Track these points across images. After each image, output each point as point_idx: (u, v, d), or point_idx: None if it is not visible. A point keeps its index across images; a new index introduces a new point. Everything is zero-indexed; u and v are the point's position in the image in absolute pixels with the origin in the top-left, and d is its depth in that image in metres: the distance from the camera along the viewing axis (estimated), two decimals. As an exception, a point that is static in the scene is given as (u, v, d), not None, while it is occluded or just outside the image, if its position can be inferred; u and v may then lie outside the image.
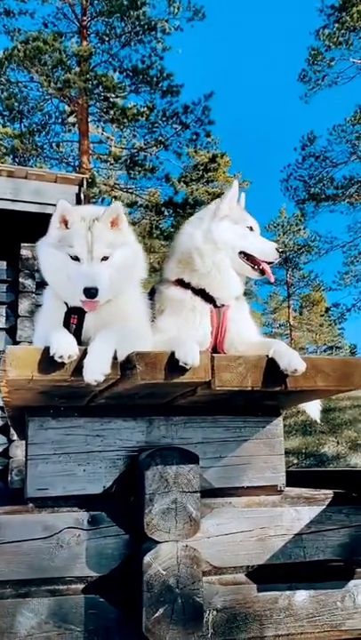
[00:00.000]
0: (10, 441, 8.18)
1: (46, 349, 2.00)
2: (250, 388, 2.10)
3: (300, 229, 38.74)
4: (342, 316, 38.68)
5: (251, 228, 2.76)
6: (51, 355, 1.98)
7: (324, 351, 44.63)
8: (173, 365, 2.02)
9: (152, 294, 2.71)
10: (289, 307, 44.64)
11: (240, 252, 2.70)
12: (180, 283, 2.67)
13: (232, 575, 2.38)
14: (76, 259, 2.34)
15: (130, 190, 25.13)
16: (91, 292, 2.23)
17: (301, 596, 2.42)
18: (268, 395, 2.28)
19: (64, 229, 2.41)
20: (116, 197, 22.10)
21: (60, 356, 1.98)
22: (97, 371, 1.99)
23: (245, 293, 2.86)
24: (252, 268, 2.73)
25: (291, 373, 2.15)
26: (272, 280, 2.81)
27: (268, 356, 2.17)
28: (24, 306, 8.61)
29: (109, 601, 2.24)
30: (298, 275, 43.08)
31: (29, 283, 8.72)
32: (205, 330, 2.58)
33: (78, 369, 2.00)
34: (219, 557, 2.36)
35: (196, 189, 26.66)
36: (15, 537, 2.21)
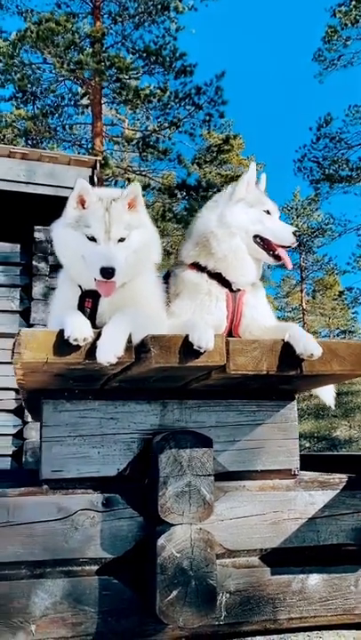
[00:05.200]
0: (24, 423, 8.23)
1: (61, 332, 1.99)
2: (265, 372, 2.09)
3: (313, 212, 38.40)
4: (356, 300, 38.48)
5: (268, 212, 2.69)
6: (65, 337, 1.98)
7: (337, 335, 44.39)
8: (188, 349, 2.01)
9: (167, 278, 2.69)
10: (302, 290, 44.37)
11: (255, 236, 2.65)
12: (197, 266, 2.64)
13: (245, 558, 2.39)
14: (93, 239, 2.31)
15: (143, 173, 24.99)
16: (108, 272, 2.20)
17: (315, 580, 2.42)
18: (283, 379, 2.27)
19: (81, 210, 2.38)
20: (129, 180, 21.97)
21: (75, 339, 1.97)
22: (110, 352, 1.98)
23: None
24: (268, 253, 2.67)
25: (307, 357, 2.14)
26: (289, 266, 2.77)
27: (283, 340, 2.16)
28: (38, 289, 8.61)
29: (123, 582, 2.26)
30: (311, 258, 42.75)
31: (43, 266, 8.71)
32: (221, 314, 2.56)
33: (93, 352, 2.00)
34: (232, 540, 2.36)
35: (209, 172, 26.47)
36: (30, 518, 2.22)
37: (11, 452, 8.20)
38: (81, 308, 2.32)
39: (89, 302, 2.33)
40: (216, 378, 2.20)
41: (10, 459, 8.17)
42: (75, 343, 1.97)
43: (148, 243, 2.43)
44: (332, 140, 27.74)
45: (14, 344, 1.95)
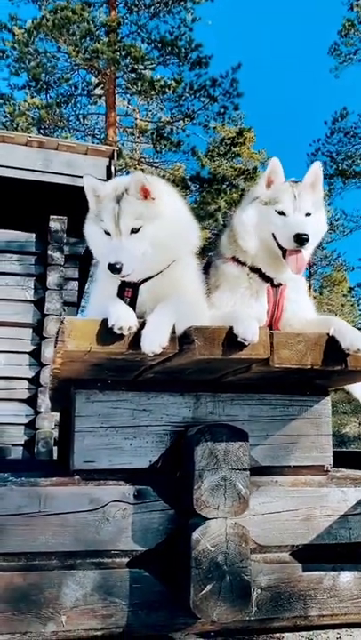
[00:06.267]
0: (37, 412, 8.24)
1: (104, 321, 1.96)
2: (309, 367, 2.05)
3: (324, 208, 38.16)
4: (365, 297, 38.27)
5: (282, 212, 2.49)
6: (110, 326, 1.95)
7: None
8: (231, 341, 1.98)
9: (206, 268, 2.65)
10: (310, 286, 44.22)
11: (273, 235, 2.52)
12: (236, 260, 2.59)
13: (277, 554, 2.37)
14: (108, 233, 2.30)
15: (155, 164, 24.92)
16: (115, 268, 2.18)
17: (346, 577, 2.39)
18: (321, 373, 2.23)
19: (99, 203, 2.37)
20: (143, 171, 21.93)
21: (120, 327, 1.94)
22: (155, 342, 1.95)
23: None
24: (283, 252, 2.50)
25: (353, 352, 2.10)
26: (293, 270, 2.48)
27: (328, 334, 2.12)
28: (52, 278, 8.60)
29: (154, 575, 2.24)
30: (320, 254, 42.57)
31: (58, 255, 8.68)
32: (261, 309, 2.51)
33: (136, 342, 1.97)
34: (264, 536, 2.33)
35: (220, 165, 26.33)
36: (62, 509, 2.20)
37: (23, 442, 8.21)
38: (120, 297, 2.29)
39: (129, 292, 2.30)
40: (256, 371, 2.16)
41: (22, 448, 8.18)
42: (119, 332, 1.94)
43: (170, 231, 2.34)
44: (347, 135, 27.60)
45: (57, 332, 1.92)
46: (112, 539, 2.23)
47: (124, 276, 2.24)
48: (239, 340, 1.97)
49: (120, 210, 2.26)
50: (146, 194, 2.31)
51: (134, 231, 2.27)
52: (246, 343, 1.98)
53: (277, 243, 2.48)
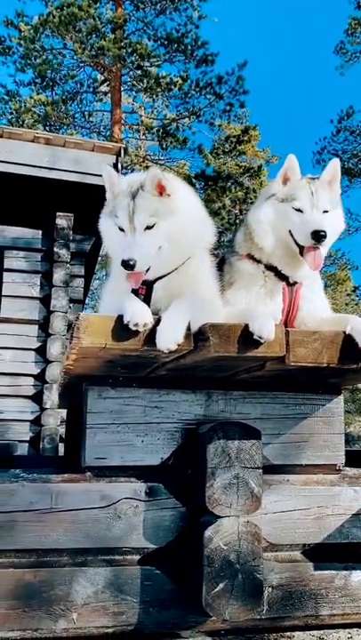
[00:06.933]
0: (42, 409, 8.25)
1: (120, 317, 1.95)
2: (325, 365, 2.04)
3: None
4: (371, 296, 38.16)
5: (299, 210, 2.46)
6: (125, 322, 1.93)
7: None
8: (247, 338, 1.96)
9: (220, 264, 2.63)
10: (315, 285, 44.03)
11: (290, 232, 2.49)
12: (251, 257, 2.57)
13: (288, 553, 2.36)
14: (122, 229, 2.29)
15: (160, 162, 24.89)
16: (129, 265, 2.16)
17: (358, 577, 2.38)
18: (336, 372, 2.22)
19: (114, 199, 2.36)
20: (147, 168, 21.91)
21: (136, 324, 1.92)
22: (171, 339, 1.93)
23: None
24: (300, 250, 2.47)
25: None
26: (311, 267, 2.45)
27: (344, 332, 2.10)
28: (58, 275, 8.60)
29: (165, 573, 2.23)
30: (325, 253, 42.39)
31: (64, 252, 8.68)
32: (277, 307, 2.48)
33: (151, 338, 1.95)
34: (275, 534, 2.32)
35: (225, 163, 26.29)
36: (73, 505, 2.20)
37: (28, 439, 8.22)
38: (134, 294, 2.28)
39: (143, 289, 2.28)
40: (270, 369, 2.15)
41: (27, 445, 8.19)
42: (134, 328, 1.92)
43: (184, 227, 2.32)
44: (353, 134, 27.51)
45: (72, 329, 1.91)
46: (123, 536, 2.22)
47: (137, 273, 2.22)
48: (255, 337, 1.96)
49: (135, 206, 2.25)
50: (161, 190, 2.29)
51: (149, 227, 2.26)
52: (262, 341, 1.96)
53: (295, 240, 2.46)
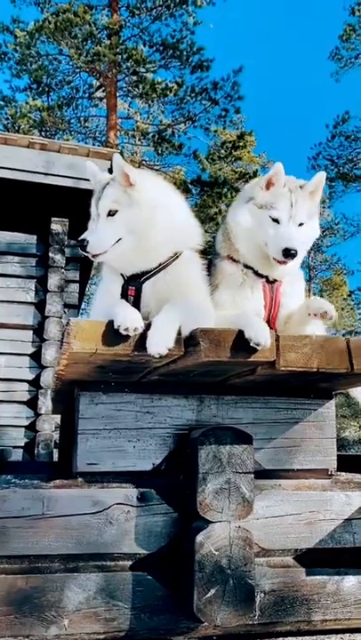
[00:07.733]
0: (37, 415, 8.21)
1: (110, 322, 1.95)
2: (315, 369, 2.04)
3: (324, 212, 38.21)
4: (365, 301, 38.24)
5: (276, 220, 2.45)
6: (115, 327, 1.94)
7: (344, 336, 44.11)
8: (240, 344, 1.96)
9: (208, 267, 2.64)
10: (310, 290, 44.14)
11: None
12: (231, 258, 2.60)
13: (280, 558, 2.35)
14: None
15: (156, 167, 24.91)
16: (82, 246, 2.28)
17: (350, 582, 2.38)
18: (326, 376, 2.22)
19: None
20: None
21: (126, 329, 1.93)
22: (161, 344, 1.94)
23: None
24: (274, 259, 2.47)
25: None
26: (281, 276, 2.55)
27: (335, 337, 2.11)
28: (53, 280, 8.57)
29: (157, 579, 2.23)
30: (320, 258, 42.53)
31: (59, 258, 8.66)
32: (258, 303, 2.51)
33: (141, 343, 1.96)
34: (267, 539, 2.32)
35: (220, 169, 26.33)
36: (65, 511, 2.19)
37: (23, 444, 8.18)
38: (124, 296, 2.29)
39: (132, 290, 2.30)
40: (261, 374, 2.15)
41: (22, 451, 8.15)
42: (125, 333, 1.93)
43: (150, 220, 2.31)
44: (348, 139, 27.61)
45: (63, 334, 1.91)
46: (115, 541, 2.22)
47: (93, 256, 2.29)
48: (252, 344, 1.95)
49: (102, 194, 2.34)
50: (127, 180, 2.33)
51: (111, 215, 2.32)
52: (259, 348, 1.96)
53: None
